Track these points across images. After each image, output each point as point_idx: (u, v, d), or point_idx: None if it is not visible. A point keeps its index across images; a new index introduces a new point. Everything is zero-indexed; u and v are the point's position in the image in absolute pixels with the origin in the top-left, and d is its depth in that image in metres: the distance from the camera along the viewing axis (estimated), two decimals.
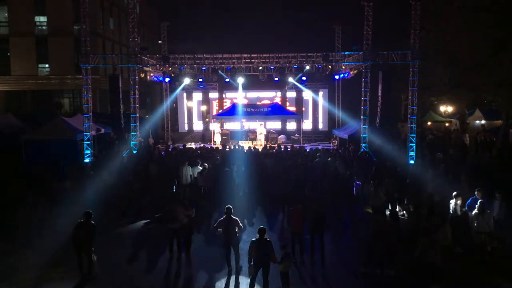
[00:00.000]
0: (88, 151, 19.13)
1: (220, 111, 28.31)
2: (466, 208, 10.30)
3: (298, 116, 27.76)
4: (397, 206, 12.19)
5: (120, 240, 11.10)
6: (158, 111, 27.84)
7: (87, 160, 18.99)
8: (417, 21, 18.30)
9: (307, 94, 29.68)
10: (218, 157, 17.06)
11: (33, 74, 31.56)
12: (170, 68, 23.80)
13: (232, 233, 8.95)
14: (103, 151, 20.61)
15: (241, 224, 9.31)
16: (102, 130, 21.91)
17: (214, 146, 23.16)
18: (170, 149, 20.71)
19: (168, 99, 28.13)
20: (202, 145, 24.23)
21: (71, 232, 8.94)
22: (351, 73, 23.10)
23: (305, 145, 24.76)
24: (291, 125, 29.13)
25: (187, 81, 25.00)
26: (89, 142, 19.19)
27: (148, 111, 35.54)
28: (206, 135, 27.61)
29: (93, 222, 9.10)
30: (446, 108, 33.39)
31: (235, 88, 27.81)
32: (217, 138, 25.33)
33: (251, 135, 25.95)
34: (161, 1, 48.28)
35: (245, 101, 29.42)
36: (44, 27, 31.72)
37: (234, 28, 47.23)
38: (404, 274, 8.95)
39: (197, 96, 29.75)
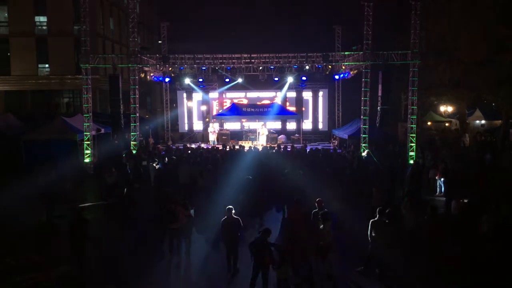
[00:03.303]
0: (88, 151, 19.14)
1: (220, 111, 28.32)
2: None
3: (298, 116, 27.75)
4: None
5: (119, 240, 11.09)
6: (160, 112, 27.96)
7: (87, 160, 19.01)
8: (417, 21, 18.30)
9: (307, 94, 29.72)
10: (219, 157, 17.09)
11: (33, 74, 31.52)
12: (170, 68, 23.80)
13: (233, 233, 8.96)
14: (103, 151, 20.61)
15: (241, 224, 9.30)
16: (102, 130, 21.92)
17: (212, 147, 23.13)
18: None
19: (168, 99, 28.27)
20: (202, 145, 24.23)
21: (67, 230, 8.96)
22: (351, 73, 23.10)
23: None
24: (291, 125, 29.13)
25: (187, 80, 25.04)
26: (89, 142, 19.20)
27: (148, 111, 35.54)
28: (205, 135, 27.63)
29: (86, 218, 9.11)
30: (446, 108, 33.38)
31: (235, 88, 27.84)
32: (212, 138, 25.46)
33: (251, 135, 25.96)
34: (161, 1, 48.29)
35: (244, 101, 29.45)
36: (44, 27, 31.68)
37: (234, 28, 47.23)
38: (404, 274, 8.96)
39: (197, 96, 29.73)
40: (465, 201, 11.10)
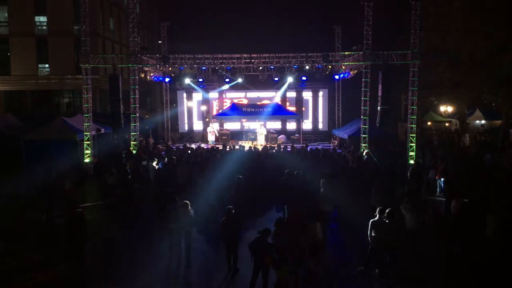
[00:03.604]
0: (88, 151, 19.14)
1: (220, 111, 28.32)
2: None
3: (298, 116, 27.75)
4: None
5: (120, 240, 11.09)
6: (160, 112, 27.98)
7: (87, 160, 19.00)
8: (417, 21, 18.30)
9: (307, 94, 29.72)
10: (219, 156, 17.08)
11: (33, 74, 31.53)
12: (170, 68, 23.81)
13: (233, 233, 8.96)
14: (103, 151, 20.60)
15: (241, 224, 9.30)
16: (102, 130, 21.93)
17: (209, 146, 23.14)
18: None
19: (168, 100, 28.32)
20: (202, 145, 24.22)
21: (65, 231, 9.06)
22: (351, 73, 23.10)
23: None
24: (291, 125, 29.13)
25: (187, 80, 25.04)
26: (89, 142, 19.20)
27: (148, 111, 35.55)
28: (205, 135, 27.63)
29: (84, 218, 9.26)
30: (446, 108, 33.41)
31: (235, 88, 27.84)
32: (211, 138, 25.47)
33: (251, 135, 25.97)
34: (161, 1, 48.27)
35: (244, 101, 29.45)
36: (44, 27, 31.69)
37: (234, 28, 47.23)
38: (404, 274, 8.96)
39: (197, 96, 29.75)
40: (465, 201, 11.09)
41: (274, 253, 8.01)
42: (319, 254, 8.75)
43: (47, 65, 31.96)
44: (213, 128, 25.99)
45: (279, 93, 28.20)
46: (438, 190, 15.45)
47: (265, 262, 7.83)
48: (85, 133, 19.28)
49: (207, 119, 28.76)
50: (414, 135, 19.07)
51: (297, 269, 8.63)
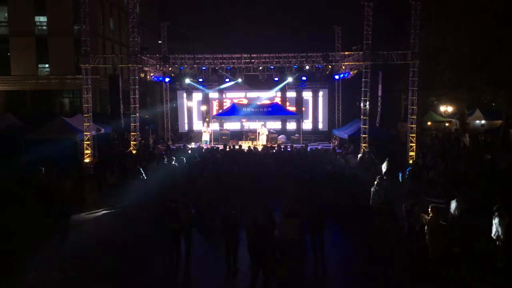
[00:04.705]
0: (88, 151, 19.15)
1: (220, 111, 28.31)
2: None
3: (298, 116, 27.74)
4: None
5: (119, 240, 11.08)
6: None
7: (87, 160, 19.01)
8: (417, 21, 18.31)
9: (307, 94, 29.70)
10: (219, 156, 17.08)
11: (33, 74, 31.52)
12: (170, 68, 23.81)
13: (233, 232, 8.96)
14: (103, 151, 20.60)
15: (241, 224, 9.29)
16: (102, 130, 21.94)
17: (208, 146, 23.13)
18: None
19: (167, 99, 28.31)
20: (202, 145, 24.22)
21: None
22: (351, 73, 23.10)
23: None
24: (291, 125, 29.11)
25: (187, 80, 25.04)
26: (89, 142, 19.21)
27: (148, 111, 35.53)
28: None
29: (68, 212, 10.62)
30: (446, 108, 33.42)
31: (235, 88, 27.79)
32: (205, 138, 25.46)
33: (251, 135, 25.95)
34: (161, 1, 48.29)
35: (244, 101, 29.43)
36: (44, 27, 31.69)
37: (234, 28, 47.29)
38: (404, 274, 8.96)
39: (197, 96, 29.75)
40: (465, 201, 11.07)
41: (276, 252, 8.02)
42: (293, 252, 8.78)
43: (47, 65, 31.95)
44: (209, 127, 25.89)
45: (277, 92, 28.14)
46: (438, 190, 15.39)
47: (266, 262, 7.83)
48: (85, 133, 19.29)
49: (206, 119, 28.75)
50: (414, 135, 19.08)
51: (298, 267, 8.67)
